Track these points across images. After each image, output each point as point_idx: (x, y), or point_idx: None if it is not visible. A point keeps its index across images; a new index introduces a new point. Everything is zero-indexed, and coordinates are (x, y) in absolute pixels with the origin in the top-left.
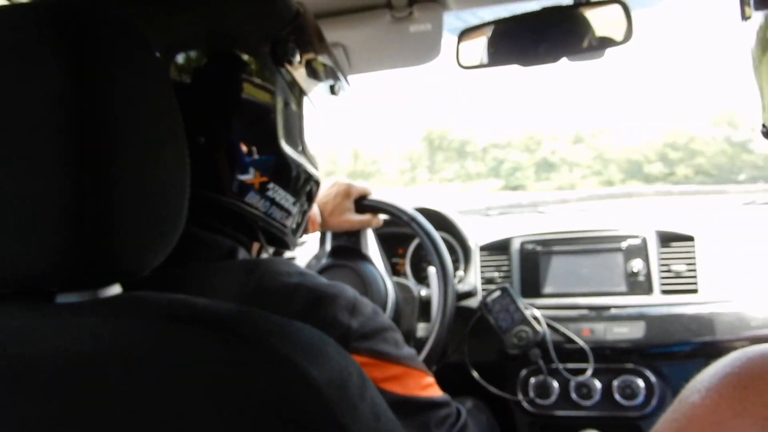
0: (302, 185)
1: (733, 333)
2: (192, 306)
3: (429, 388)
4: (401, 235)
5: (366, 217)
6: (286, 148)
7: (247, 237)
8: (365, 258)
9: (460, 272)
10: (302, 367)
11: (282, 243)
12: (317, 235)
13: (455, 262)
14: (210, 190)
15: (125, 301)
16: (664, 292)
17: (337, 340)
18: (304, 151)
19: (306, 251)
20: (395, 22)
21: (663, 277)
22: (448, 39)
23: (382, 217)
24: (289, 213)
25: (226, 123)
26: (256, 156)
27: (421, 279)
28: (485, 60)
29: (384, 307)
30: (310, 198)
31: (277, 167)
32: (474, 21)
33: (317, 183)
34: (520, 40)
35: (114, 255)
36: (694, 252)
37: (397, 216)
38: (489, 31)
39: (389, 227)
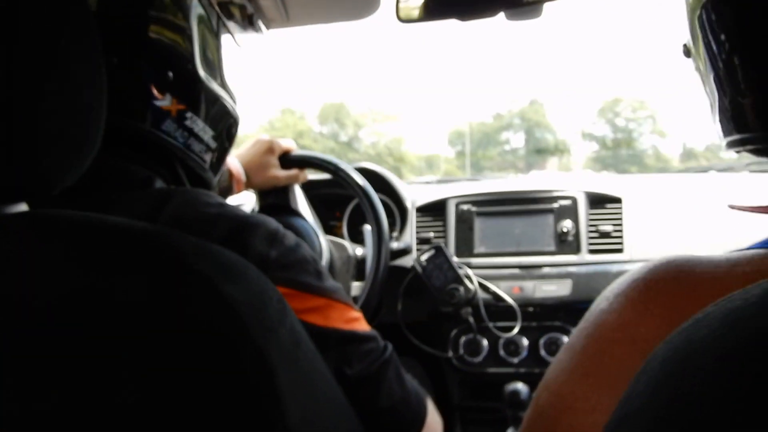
0: (221, 119)
1: None
2: (103, 222)
3: (353, 321)
4: (338, 196)
5: (292, 172)
6: (204, 77)
7: (164, 169)
8: (296, 213)
9: (395, 233)
10: (219, 285)
11: (201, 180)
12: (245, 194)
13: (392, 223)
14: (124, 116)
15: (31, 217)
16: (591, 251)
17: (257, 268)
18: (223, 85)
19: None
20: None
21: (591, 237)
22: None
23: (311, 175)
24: (208, 147)
25: (139, 43)
26: (172, 80)
27: (358, 240)
28: (424, 13)
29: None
30: (230, 136)
31: (196, 95)
32: None
33: (236, 122)
34: None
35: (20, 170)
36: (621, 213)
37: (322, 166)
38: None
39: (326, 188)
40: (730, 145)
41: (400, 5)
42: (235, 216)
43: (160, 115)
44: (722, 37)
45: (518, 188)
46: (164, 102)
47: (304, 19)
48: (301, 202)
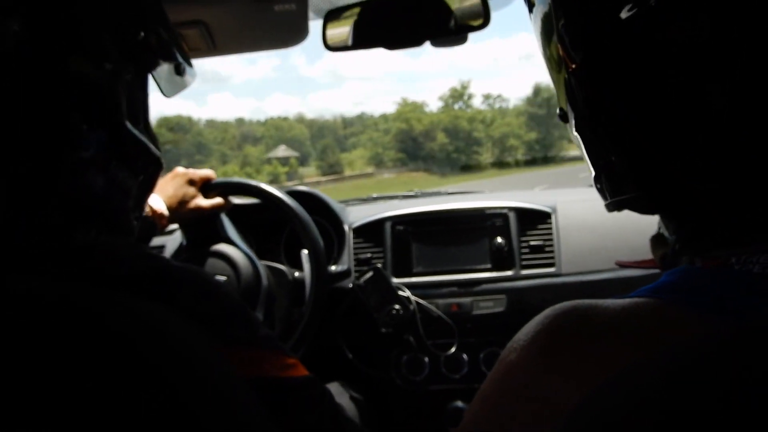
0: (145, 165)
1: None
2: (19, 289)
3: (288, 369)
4: (274, 221)
5: (216, 200)
6: (128, 124)
7: (84, 219)
8: (229, 241)
9: (334, 255)
10: (140, 347)
11: (122, 228)
12: (171, 232)
13: (330, 245)
14: (40, 166)
15: None
16: (524, 266)
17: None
18: (146, 129)
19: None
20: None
21: (523, 253)
22: (317, 22)
23: (242, 200)
24: (131, 195)
25: (59, 97)
26: (94, 128)
27: (296, 264)
28: (351, 41)
29: (256, 291)
30: (153, 181)
31: (119, 143)
32: (341, 1)
33: (160, 166)
34: (385, 23)
35: None
36: (551, 228)
37: (245, 190)
38: (355, 13)
39: (260, 213)
40: (611, 207)
41: (328, 34)
42: (160, 271)
43: (81, 165)
44: (585, 96)
45: (451, 206)
46: (88, 153)
47: (230, 48)
48: (230, 229)
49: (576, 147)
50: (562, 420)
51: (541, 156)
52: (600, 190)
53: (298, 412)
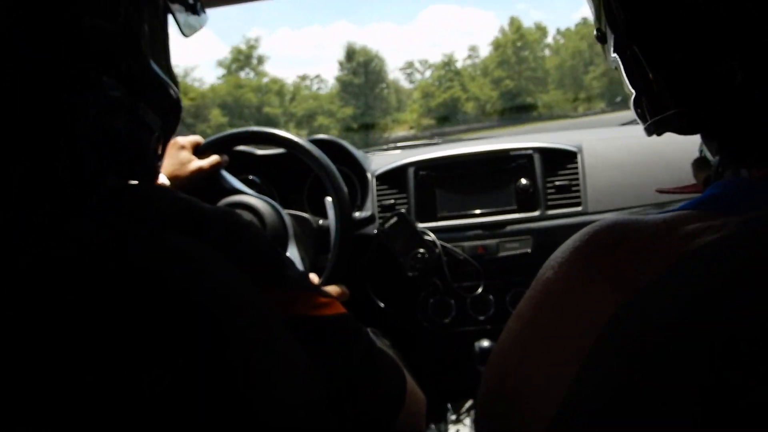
0: (168, 107)
1: None
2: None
3: (322, 307)
4: (296, 171)
5: (213, 158)
6: (153, 65)
7: (115, 163)
8: (244, 192)
9: (357, 203)
10: (173, 280)
11: (150, 172)
12: None
13: (352, 193)
14: (73, 109)
15: None
16: (550, 206)
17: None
18: (168, 72)
19: None
20: None
21: (549, 193)
22: None
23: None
24: (157, 137)
25: (81, 36)
26: (122, 70)
27: (320, 213)
28: None
29: (283, 235)
30: (175, 124)
31: (145, 85)
32: None
33: (180, 108)
34: None
35: None
36: (577, 167)
37: (241, 139)
38: None
39: (282, 162)
40: (651, 128)
41: None
42: (193, 211)
43: (112, 106)
44: (626, 17)
45: (475, 149)
46: (116, 93)
47: None
48: (236, 182)
49: (400, 126)
50: (600, 329)
51: (362, 140)
52: (640, 114)
53: (333, 350)
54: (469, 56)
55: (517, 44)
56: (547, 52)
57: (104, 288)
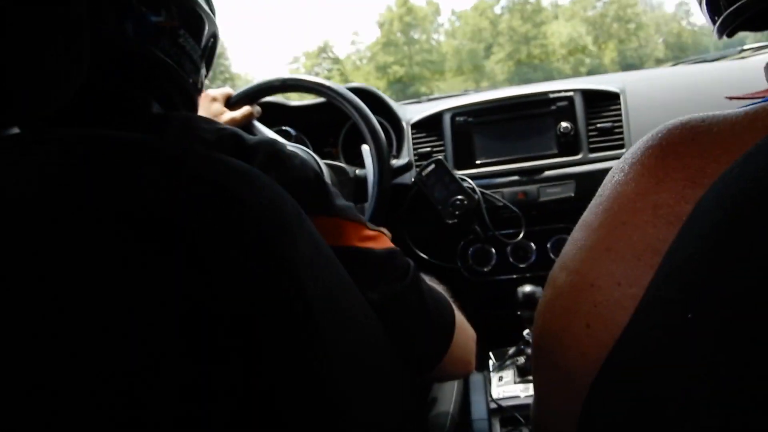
0: (207, 36)
1: None
2: (110, 137)
3: (369, 240)
4: (331, 121)
5: (245, 109)
6: None
7: (158, 91)
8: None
9: (393, 152)
10: (230, 188)
11: (191, 103)
12: None
13: (388, 142)
14: (117, 33)
15: (19, 137)
16: (592, 150)
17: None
18: (208, 3)
19: None
20: None
21: (591, 136)
22: None
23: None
24: (197, 67)
25: None
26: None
27: (356, 163)
28: None
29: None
30: (213, 54)
31: (187, 11)
32: None
33: (218, 39)
34: None
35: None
36: (620, 109)
37: (273, 88)
38: None
39: (316, 113)
40: (725, 23)
41: None
42: (239, 138)
43: (156, 32)
44: None
45: (512, 93)
46: (159, 18)
47: None
48: (269, 132)
49: None
50: (676, 226)
51: None
52: (711, 10)
53: (384, 283)
54: (353, 41)
55: (405, 19)
56: (442, 37)
57: (186, 205)
